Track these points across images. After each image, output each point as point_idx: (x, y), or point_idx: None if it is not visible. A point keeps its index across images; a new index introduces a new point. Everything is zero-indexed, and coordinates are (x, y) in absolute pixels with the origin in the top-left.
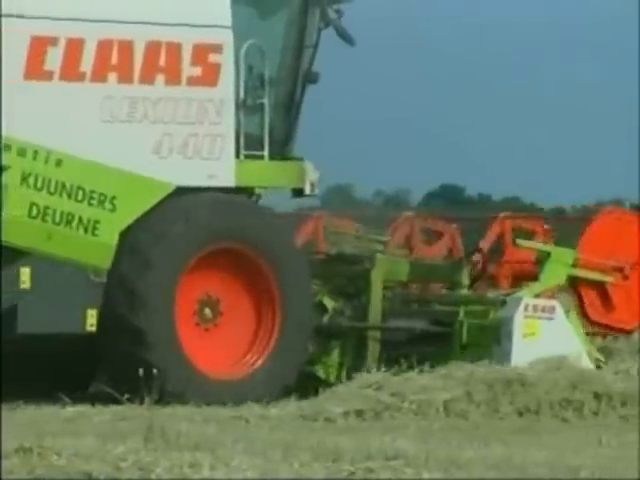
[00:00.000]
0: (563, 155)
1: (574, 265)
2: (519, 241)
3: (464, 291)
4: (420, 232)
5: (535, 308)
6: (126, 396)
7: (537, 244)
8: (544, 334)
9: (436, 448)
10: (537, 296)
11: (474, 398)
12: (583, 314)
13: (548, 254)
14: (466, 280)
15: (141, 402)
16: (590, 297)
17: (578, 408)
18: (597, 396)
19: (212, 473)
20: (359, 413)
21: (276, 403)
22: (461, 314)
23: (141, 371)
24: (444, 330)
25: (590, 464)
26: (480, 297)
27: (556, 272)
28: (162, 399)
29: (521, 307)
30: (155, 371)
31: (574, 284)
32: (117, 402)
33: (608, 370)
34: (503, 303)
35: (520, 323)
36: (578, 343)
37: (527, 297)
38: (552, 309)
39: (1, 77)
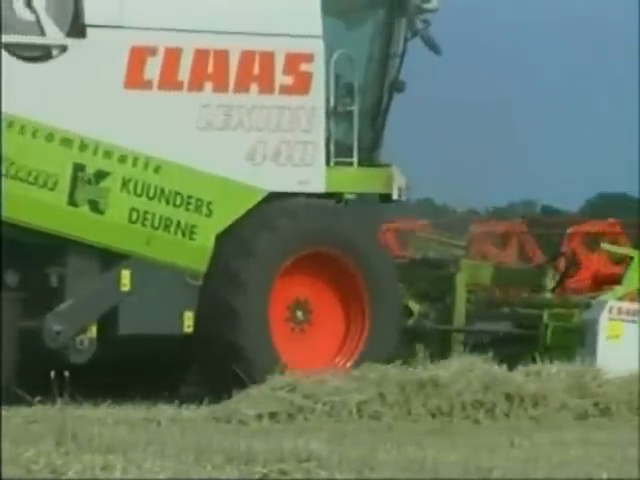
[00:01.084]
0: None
1: None
2: (604, 245)
3: (548, 294)
4: (490, 236)
5: (619, 311)
6: (37, 399)
7: (621, 248)
8: (627, 336)
9: (349, 450)
10: (620, 299)
11: (387, 400)
12: None
13: (631, 258)
14: (550, 283)
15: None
16: None
17: (490, 409)
18: (509, 397)
19: (124, 476)
20: (272, 415)
21: (188, 405)
22: (545, 317)
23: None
24: (528, 333)
25: (502, 465)
26: (564, 300)
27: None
28: None
29: (606, 310)
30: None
31: None
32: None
33: (519, 372)
34: (588, 306)
35: (605, 325)
36: None
37: (612, 300)
38: (635, 312)
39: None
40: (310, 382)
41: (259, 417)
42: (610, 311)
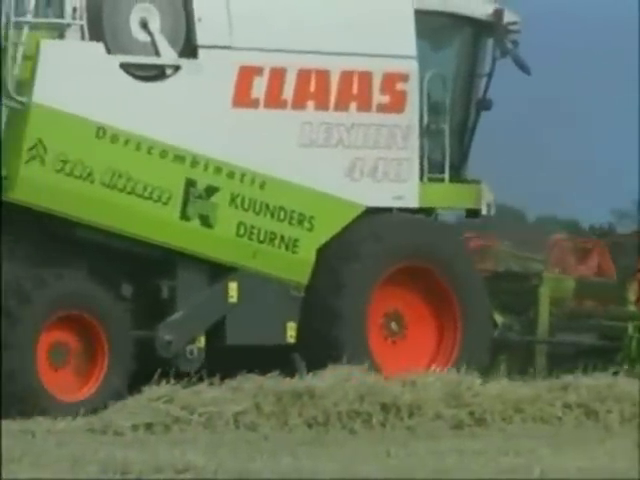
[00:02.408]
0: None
1: None
2: None
3: (632, 307)
4: (570, 251)
5: None
6: None
7: None
8: None
9: (226, 460)
10: None
11: (263, 410)
12: None
13: None
14: (632, 296)
15: None
16: None
17: (366, 419)
18: (385, 407)
19: None
20: (148, 426)
21: (64, 417)
22: (630, 329)
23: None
24: (613, 345)
25: (378, 475)
26: None
27: None
28: None
29: None
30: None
31: None
32: None
33: (396, 381)
34: None
35: None
36: None
37: None
38: None
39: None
40: (186, 393)
41: (135, 428)
42: None
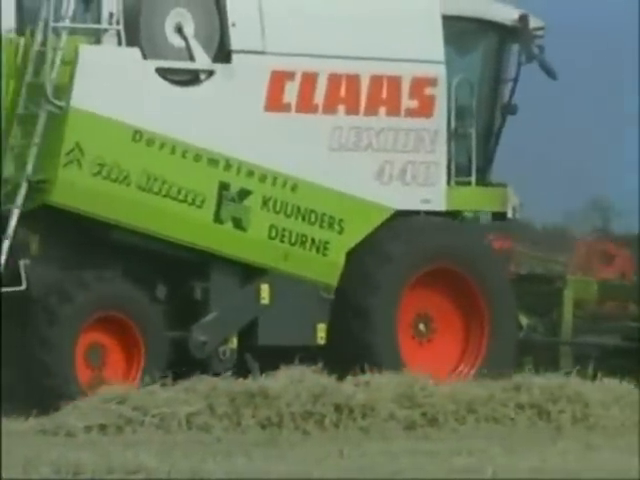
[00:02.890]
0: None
1: None
2: None
3: None
4: (596, 254)
5: None
6: None
7: None
8: None
9: (179, 461)
10: None
11: (217, 411)
12: None
13: None
14: None
15: None
16: None
17: (319, 420)
18: (338, 408)
19: None
20: (101, 427)
21: (16, 418)
22: None
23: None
24: (637, 346)
25: (331, 476)
26: None
27: None
28: None
29: None
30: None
31: None
32: None
33: (349, 382)
34: None
35: None
36: None
37: None
38: None
39: None
40: (139, 394)
41: (88, 429)
42: None
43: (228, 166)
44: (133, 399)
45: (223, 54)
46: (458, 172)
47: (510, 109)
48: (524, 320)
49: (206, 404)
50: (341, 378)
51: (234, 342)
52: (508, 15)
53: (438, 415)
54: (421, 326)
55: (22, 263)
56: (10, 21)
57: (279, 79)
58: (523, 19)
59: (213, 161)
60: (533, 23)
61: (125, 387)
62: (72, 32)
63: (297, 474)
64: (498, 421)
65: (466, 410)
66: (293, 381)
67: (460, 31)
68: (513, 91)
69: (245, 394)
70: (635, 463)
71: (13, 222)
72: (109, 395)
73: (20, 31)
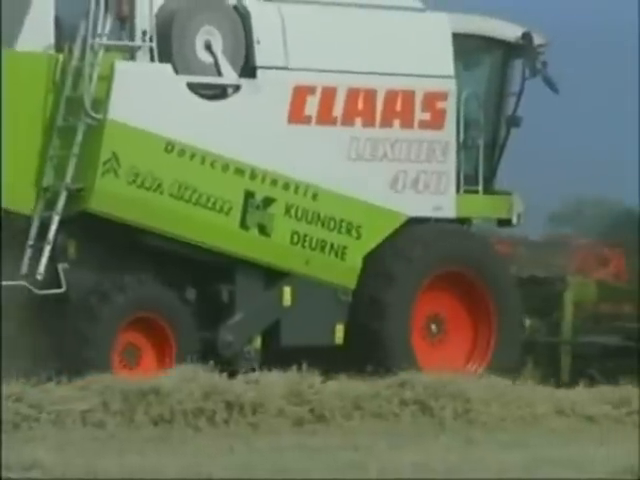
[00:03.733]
0: None
1: None
2: None
3: None
4: (591, 256)
5: None
6: None
7: None
8: None
9: (74, 458)
10: None
11: (111, 408)
12: None
13: None
14: None
15: None
16: None
17: (210, 417)
18: (228, 405)
19: None
20: None
21: None
22: None
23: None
24: (637, 345)
25: (221, 471)
26: None
27: None
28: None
29: None
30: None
31: None
32: None
33: (239, 380)
34: None
35: None
36: None
37: None
38: None
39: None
40: (35, 391)
41: None
42: None
43: (253, 175)
44: (29, 396)
45: (248, 70)
46: (466, 181)
47: (514, 121)
48: (526, 321)
49: (100, 401)
50: (358, 376)
51: (258, 342)
52: (512, 33)
53: (325, 411)
54: (433, 326)
55: (61, 267)
56: (49, 38)
57: (301, 93)
58: (527, 37)
59: (239, 171)
60: (537, 40)
61: (21, 385)
62: (108, 49)
63: (188, 469)
64: (383, 417)
65: (352, 406)
66: (185, 379)
67: (468, 48)
68: (517, 104)
69: (138, 392)
70: (514, 457)
71: (53, 228)
72: (5, 393)
73: (58, 48)
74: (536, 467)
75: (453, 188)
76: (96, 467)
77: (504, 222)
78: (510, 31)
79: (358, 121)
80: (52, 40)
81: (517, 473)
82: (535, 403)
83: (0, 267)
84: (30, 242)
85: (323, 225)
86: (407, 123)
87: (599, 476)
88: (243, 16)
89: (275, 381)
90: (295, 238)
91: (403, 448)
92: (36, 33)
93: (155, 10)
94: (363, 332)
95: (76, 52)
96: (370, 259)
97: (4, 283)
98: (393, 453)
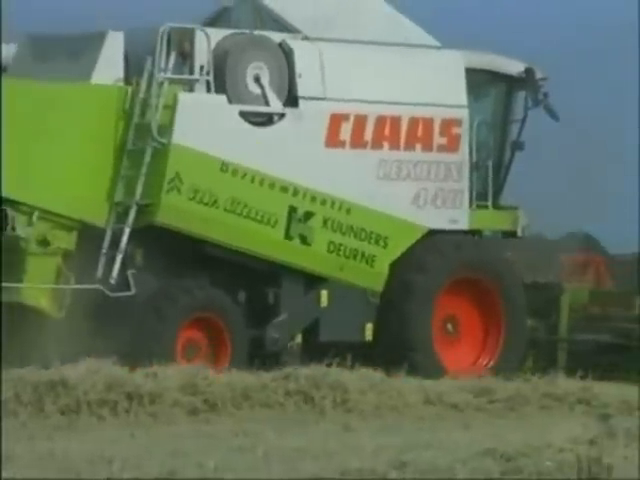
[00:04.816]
0: None
1: None
2: None
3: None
4: (574, 266)
5: None
6: None
7: None
8: None
9: None
10: None
11: (22, 399)
12: None
13: None
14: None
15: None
16: None
17: (113, 407)
18: (129, 396)
19: None
20: None
21: None
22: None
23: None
24: (627, 343)
25: (123, 455)
26: None
27: None
28: None
29: None
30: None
31: None
32: None
33: (139, 373)
34: None
35: None
36: None
37: None
38: None
39: None
40: None
41: None
42: None
43: (296, 192)
44: None
45: (291, 100)
46: (478, 197)
47: (518, 145)
48: (528, 322)
49: (13, 393)
50: (387, 371)
51: (299, 338)
52: (515, 68)
53: (217, 401)
54: (449, 326)
55: (130, 272)
56: (119, 72)
57: (336, 120)
58: (529, 71)
59: (284, 188)
60: (538, 74)
61: None
62: (171, 82)
63: (92, 453)
64: (269, 406)
65: (241, 397)
66: (90, 372)
67: (478, 81)
68: (521, 130)
69: (47, 383)
70: (388, 442)
71: (125, 239)
72: None
73: (127, 81)
74: (407, 450)
75: (467, 203)
76: (9, 454)
77: (510, 234)
78: (514, 67)
79: (385, 145)
80: (122, 74)
81: (390, 456)
82: (406, 393)
83: (0, 271)
84: (104, 250)
85: (355, 236)
86: (427, 147)
87: (463, 457)
88: (287, 53)
89: (172, 374)
90: (331, 247)
91: (287, 434)
92: (108, 68)
93: (212, 48)
94: (389, 330)
95: (143, 85)
96: (395, 266)
97: (82, 286)
98: (278, 438)
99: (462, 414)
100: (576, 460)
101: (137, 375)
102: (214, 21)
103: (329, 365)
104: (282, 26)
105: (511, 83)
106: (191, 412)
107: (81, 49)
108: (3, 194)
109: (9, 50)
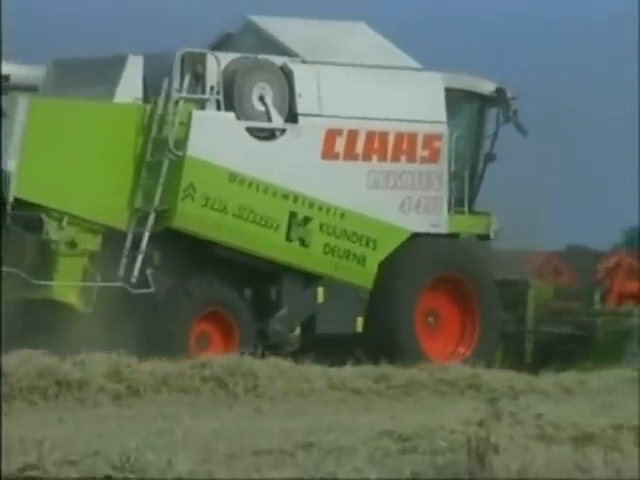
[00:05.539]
0: None
1: None
2: None
3: (598, 306)
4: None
5: None
6: None
7: None
8: None
9: None
10: None
11: None
12: None
13: None
14: (597, 298)
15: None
16: None
17: (43, 393)
18: (58, 383)
19: None
20: None
21: None
22: (599, 322)
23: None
24: (587, 334)
25: (53, 436)
26: (614, 310)
27: None
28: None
29: None
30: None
31: None
32: None
33: (67, 361)
34: (631, 314)
35: None
36: None
37: None
38: None
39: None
40: None
41: None
42: None
43: (295, 199)
44: None
45: (291, 116)
46: (455, 203)
47: (491, 157)
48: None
49: None
50: (375, 361)
51: (298, 330)
52: (488, 88)
53: (139, 387)
54: (430, 319)
55: (148, 271)
56: (138, 92)
57: (331, 135)
58: (501, 91)
59: (285, 196)
60: (509, 94)
61: None
62: (185, 100)
63: (24, 436)
64: (187, 391)
65: (161, 383)
66: (23, 361)
67: (455, 99)
68: (493, 144)
69: None
70: (295, 424)
71: (144, 241)
72: None
73: (146, 100)
74: (313, 432)
75: (446, 209)
76: None
77: (483, 237)
78: (487, 87)
79: (374, 157)
80: (141, 94)
81: (298, 437)
82: (312, 379)
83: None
84: (125, 252)
85: (348, 239)
86: (411, 158)
87: (363, 438)
88: (287, 75)
89: (98, 362)
90: (327, 249)
91: (203, 417)
92: (129, 88)
93: (221, 70)
94: (378, 323)
95: (160, 103)
96: (383, 265)
97: (106, 284)
98: (195, 421)
99: (363, 398)
100: (466, 440)
101: (66, 363)
102: (219, 46)
103: (242, 354)
104: (282, 50)
105: (484, 101)
106: (115, 397)
107: (104, 71)
108: (37, 202)
109: (37, 72)
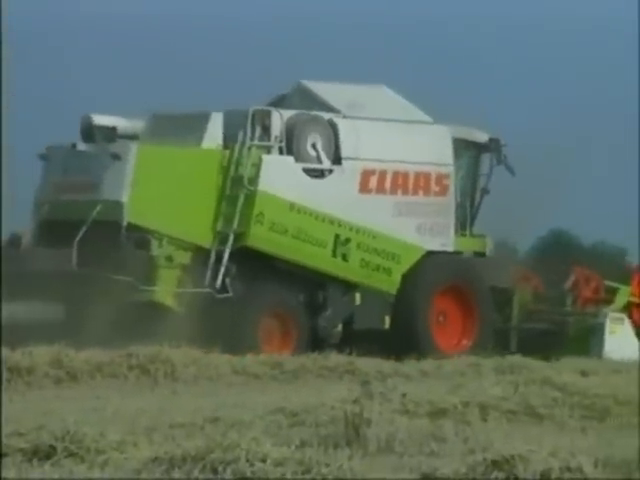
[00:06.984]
0: None
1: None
2: (607, 282)
3: (569, 307)
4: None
5: (615, 318)
6: None
7: (613, 283)
8: (619, 333)
9: None
10: (614, 311)
11: None
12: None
13: (619, 289)
14: (569, 301)
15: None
16: (637, 312)
17: None
18: (10, 370)
19: None
20: None
21: None
22: (571, 320)
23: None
24: (559, 330)
25: (4, 415)
26: (583, 311)
27: (623, 299)
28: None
29: (609, 317)
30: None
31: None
32: None
33: (18, 352)
34: (597, 315)
35: (609, 326)
36: (634, 337)
37: (611, 312)
38: (623, 319)
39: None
40: None
41: None
42: (611, 318)
43: (339, 224)
44: None
45: (337, 159)
46: (459, 228)
47: (486, 191)
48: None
49: None
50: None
51: (340, 327)
52: (482, 137)
53: (77, 373)
54: (441, 318)
55: (228, 280)
56: (219, 140)
57: (367, 174)
58: (494, 140)
59: (331, 221)
60: (501, 142)
61: None
62: (256, 147)
63: None
64: (116, 376)
65: (95, 370)
66: None
67: (458, 146)
68: (488, 181)
69: None
70: (205, 403)
71: (225, 257)
72: None
73: (225, 146)
74: (219, 409)
75: (452, 232)
76: None
77: (480, 254)
78: (482, 136)
79: (399, 191)
80: (221, 141)
81: (206, 413)
82: (219, 366)
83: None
84: (210, 265)
85: (378, 255)
86: (426, 192)
87: (260, 414)
88: (333, 127)
89: (42, 353)
90: (362, 263)
91: (130, 398)
92: (212, 138)
93: (284, 123)
94: (401, 321)
95: (237, 149)
96: (405, 276)
97: (196, 290)
98: (123, 401)
99: (260, 381)
100: (344, 415)
101: (16, 353)
102: (276, 103)
103: (162, 345)
104: (327, 108)
105: (480, 148)
106: (57, 381)
107: (192, 124)
108: (144, 226)
109: (137, 124)
